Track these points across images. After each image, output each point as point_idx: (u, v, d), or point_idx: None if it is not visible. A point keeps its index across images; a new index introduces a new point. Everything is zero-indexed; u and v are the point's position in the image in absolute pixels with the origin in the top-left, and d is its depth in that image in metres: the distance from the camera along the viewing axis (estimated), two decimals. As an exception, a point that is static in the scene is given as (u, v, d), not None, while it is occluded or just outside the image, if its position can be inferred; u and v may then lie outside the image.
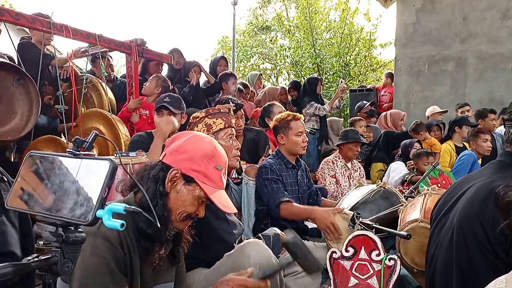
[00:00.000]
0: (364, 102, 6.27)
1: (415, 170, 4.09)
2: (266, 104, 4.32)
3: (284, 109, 4.24)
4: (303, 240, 1.65)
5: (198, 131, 2.15)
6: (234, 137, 2.23)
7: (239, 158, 2.26)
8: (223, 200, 1.38)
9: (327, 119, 5.70)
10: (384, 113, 5.80)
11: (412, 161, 4.18)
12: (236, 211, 1.53)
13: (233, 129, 2.23)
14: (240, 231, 2.02)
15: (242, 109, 3.46)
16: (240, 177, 3.01)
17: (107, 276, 1.19)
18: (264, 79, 15.53)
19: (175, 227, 1.35)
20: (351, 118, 5.92)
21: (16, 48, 3.55)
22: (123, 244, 1.24)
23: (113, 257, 1.21)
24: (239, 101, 3.61)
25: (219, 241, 1.89)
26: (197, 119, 2.21)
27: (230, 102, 3.18)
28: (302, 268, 1.35)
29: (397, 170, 4.22)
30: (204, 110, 2.29)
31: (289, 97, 6.15)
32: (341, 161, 3.90)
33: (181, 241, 1.43)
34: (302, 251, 1.32)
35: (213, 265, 1.79)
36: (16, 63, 3.50)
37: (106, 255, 1.19)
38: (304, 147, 2.85)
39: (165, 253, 1.39)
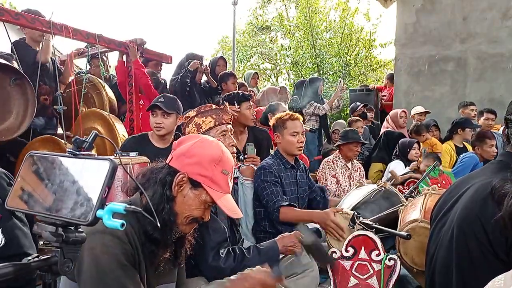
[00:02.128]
0: (358, 103, 6.31)
1: (414, 171, 4.09)
2: (274, 102, 4.29)
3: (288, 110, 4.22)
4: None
5: (188, 131, 2.14)
6: (229, 134, 2.18)
7: (235, 155, 2.22)
8: (229, 205, 1.38)
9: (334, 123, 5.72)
10: (386, 119, 5.85)
11: (415, 163, 4.19)
12: (242, 215, 1.52)
13: (227, 125, 2.18)
14: (222, 240, 1.87)
15: (250, 101, 3.40)
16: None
17: (119, 271, 1.20)
18: (264, 79, 15.56)
19: (181, 230, 1.36)
20: (349, 119, 5.94)
21: (11, 49, 3.54)
22: (130, 241, 1.25)
23: (123, 252, 1.22)
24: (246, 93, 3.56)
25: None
26: (188, 119, 2.18)
27: (238, 95, 3.16)
28: (320, 264, 1.33)
29: (396, 169, 4.22)
30: (196, 108, 2.24)
31: (289, 96, 6.14)
32: (341, 161, 3.90)
33: (184, 243, 1.43)
34: (322, 252, 1.30)
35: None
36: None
37: (117, 251, 1.21)
38: (300, 147, 2.79)
39: (170, 256, 1.40)
